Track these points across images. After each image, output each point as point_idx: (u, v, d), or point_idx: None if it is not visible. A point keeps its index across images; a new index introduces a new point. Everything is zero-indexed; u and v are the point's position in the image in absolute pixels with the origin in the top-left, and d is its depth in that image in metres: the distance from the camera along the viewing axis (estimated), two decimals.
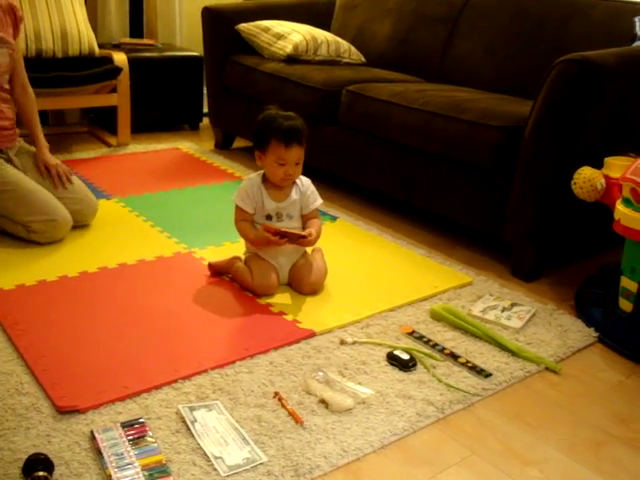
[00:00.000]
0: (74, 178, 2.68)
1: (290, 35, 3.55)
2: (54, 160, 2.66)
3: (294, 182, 2.29)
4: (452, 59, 3.41)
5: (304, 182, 2.32)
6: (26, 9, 3.59)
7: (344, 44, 3.69)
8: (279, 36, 3.58)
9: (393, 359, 1.90)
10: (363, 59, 3.73)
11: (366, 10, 3.90)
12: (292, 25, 3.67)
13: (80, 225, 2.64)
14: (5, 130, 2.60)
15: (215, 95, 3.87)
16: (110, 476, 1.42)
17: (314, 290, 2.27)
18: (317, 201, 2.33)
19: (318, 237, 2.29)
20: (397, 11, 3.72)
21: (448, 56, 3.43)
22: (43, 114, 4.11)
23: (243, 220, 2.28)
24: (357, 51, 3.73)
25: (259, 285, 2.21)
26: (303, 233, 2.21)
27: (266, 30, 3.64)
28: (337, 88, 3.14)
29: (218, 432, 1.57)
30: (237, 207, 2.27)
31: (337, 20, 4.05)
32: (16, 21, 2.62)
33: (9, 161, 2.58)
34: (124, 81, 3.74)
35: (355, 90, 3.06)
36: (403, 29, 3.65)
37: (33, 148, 2.71)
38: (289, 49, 3.50)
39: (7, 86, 2.62)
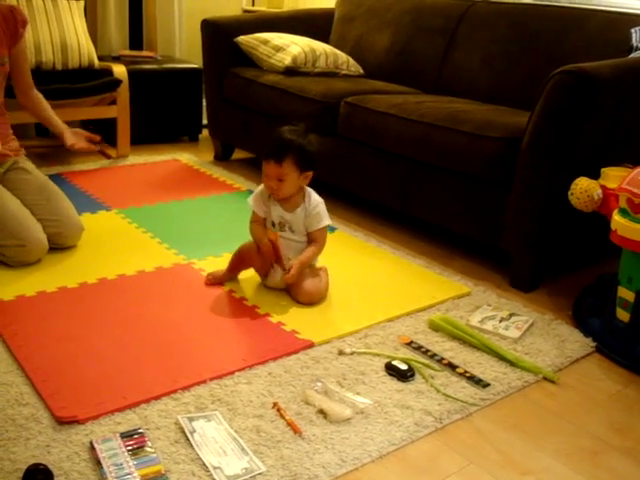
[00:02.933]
0: (58, 198, 2.62)
1: (289, 47, 3.58)
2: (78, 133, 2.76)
3: (304, 197, 2.30)
4: (450, 70, 3.43)
5: (312, 201, 2.33)
6: None
7: (342, 56, 3.71)
8: (278, 48, 3.60)
9: (391, 369, 1.91)
10: (361, 71, 3.76)
11: (364, 22, 3.92)
12: (291, 37, 3.70)
13: (63, 247, 2.57)
14: None
15: (214, 107, 3.89)
16: None
17: (311, 300, 2.27)
18: (322, 222, 2.32)
19: (308, 262, 2.31)
20: (395, 23, 3.74)
21: (446, 68, 3.45)
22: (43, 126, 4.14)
23: (255, 221, 2.34)
24: (355, 63, 3.75)
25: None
26: (287, 267, 2.23)
27: (265, 42, 3.66)
28: (336, 100, 3.16)
29: (217, 442, 1.58)
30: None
31: (335, 32, 4.08)
32: (16, 26, 2.61)
33: None
34: (124, 93, 3.76)
35: (353, 102, 3.08)
36: (401, 41, 3.67)
37: (30, 164, 2.70)
38: (288, 61, 3.52)
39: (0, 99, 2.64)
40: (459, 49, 3.42)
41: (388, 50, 3.73)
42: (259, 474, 1.50)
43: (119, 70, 3.78)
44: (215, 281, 2.37)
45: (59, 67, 3.70)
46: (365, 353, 2.00)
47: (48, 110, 2.83)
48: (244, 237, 2.80)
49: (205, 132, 4.34)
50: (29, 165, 2.69)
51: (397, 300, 2.33)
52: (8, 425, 1.61)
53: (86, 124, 4.20)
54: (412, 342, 2.07)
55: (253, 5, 5.10)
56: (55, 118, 2.82)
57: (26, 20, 2.68)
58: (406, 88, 3.45)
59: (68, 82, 3.56)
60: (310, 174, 2.32)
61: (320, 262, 2.42)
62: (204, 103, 4.12)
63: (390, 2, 3.85)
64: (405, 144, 2.80)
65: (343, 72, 3.69)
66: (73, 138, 2.76)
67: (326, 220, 2.34)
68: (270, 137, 2.28)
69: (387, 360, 1.95)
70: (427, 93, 3.40)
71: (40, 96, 2.81)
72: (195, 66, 4.32)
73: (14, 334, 1.98)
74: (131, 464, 1.49)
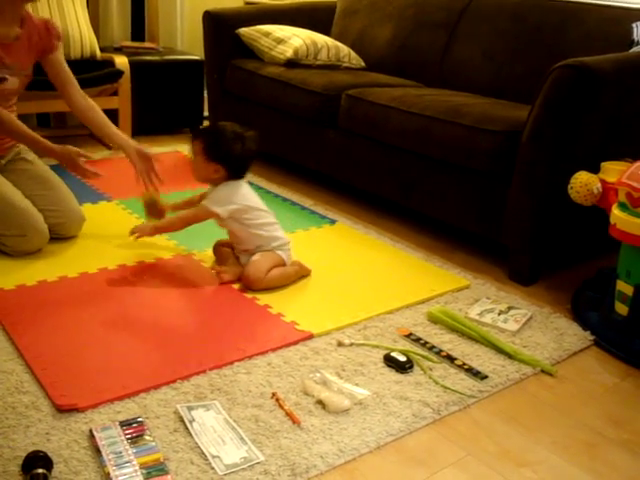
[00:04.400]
0: (60, 188, 2.62)
1: (290, 39, 3.58)
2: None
3: None
4: (451, 64, 3.44)
5: (218, 188, 2.37)
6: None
7: (344, 49, 3.71)
8: (279, 40, 3.60)
9: (390, 361, 1.92)
10: (363, 64, 3.76)
11: (366, 15, 3.92)
12: (292, 30, 3.69)
13: (64, 237, 2.58)
14: (2, 140, 2.60)
15: (215, 99, 3.89)
16: (108, 474, 1.43)
17: (247, 285, 2.28)
18: (211, 203, 2.33)
19: (165, 227, 2.47)
20: (397, 16, 3.74)
21: (447, 61, 3.45)
22: (44, 116, 4.15)
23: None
24: (357, 56, 3.75)
25: None
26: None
27: (266, 34, 3.66)
28: (337, 92, 3.16)
29: (216, 431, 1.59)
30: None
31: (337, 25, 4.08)
32: (51, 39, 2.60)
33: None
34: (125, 84, 3.77)
35: (355, 94, 3.08)
36: (403, 34, 3.67)
37: (32, 155, 2.70)
38: (289, 53, 3.52)
39: (15, 107, 2.65)
40: (460, 43, 3.42)
41: (390, 43, 3.72)
42: (257, 463, 1.51)
43: (121, 61, 3.79)
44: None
45: None
46: (364, 345, 2.01)
47: (107, 121, 2.75)
48: None
49: (206, 124, 4.34)
50: (31, 155, 2.70)
51: (396, 292, 2.34)
52: (8, 413, 1.62)
53: None
54: (411, 334, 2.08)
55: None
56: (114, 128, 2.76)
57: (60, 34, 2.67)
58: (407, 81, 3.46)
59: None
60: (220, 169, 2.32)
61: (321, 253, 2.43)
62: (205, 95, 4.12)
63: None
64: (406, 137, 2.81)
65: (345, 65, 3.69)
66: (140, 163, 2.68)
67: (215, 207, 2.31)
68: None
69: (386, 352, 1.96)
70: (428, 86, 3.40)
71: (96, 107, 2.74)
72: (196, 58, 4.31)
73: (15, 323, 1.99)
74: (130, 452, 1.50)
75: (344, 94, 3.13)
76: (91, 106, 2.73)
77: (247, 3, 4.94)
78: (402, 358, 1.92)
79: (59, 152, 2.55)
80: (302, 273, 2.40)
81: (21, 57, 2.53)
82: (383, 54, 3.75)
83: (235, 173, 2.35)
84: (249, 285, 2.28)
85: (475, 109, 2.71)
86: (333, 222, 2.94)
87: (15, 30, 2.49)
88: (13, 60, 2.50)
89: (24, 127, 2.52)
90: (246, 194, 2.36)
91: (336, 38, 3.89)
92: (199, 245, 2.61)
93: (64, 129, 4.16)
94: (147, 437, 1.55)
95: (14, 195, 2.48)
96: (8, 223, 2.40)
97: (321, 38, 3.67)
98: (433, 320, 2.17)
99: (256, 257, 2.31)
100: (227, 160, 2.31)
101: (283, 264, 2.36)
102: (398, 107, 2.86)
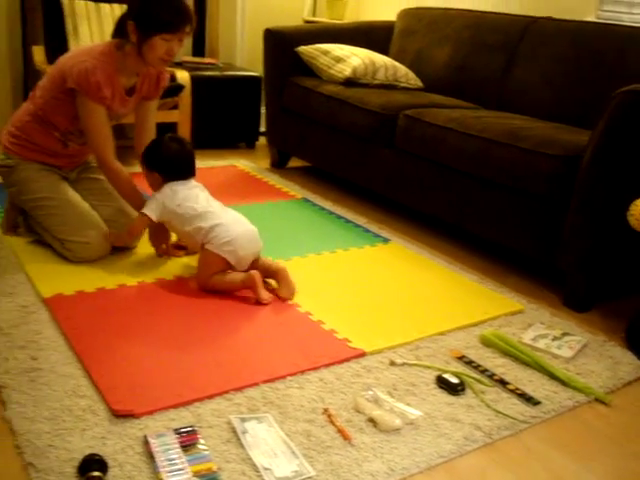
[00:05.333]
0: (121, 201, 2.67)
1: (349, 58, 3.61)
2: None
3: None
4: (509, 86, 3.43)
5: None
6: (94, 27, 3.71)
7: (402, 69, 3.73)
8: (338, 59, 3.64)
9: (442, 382, 1.91)
10: (420, 84, 3.77)
11: (424, 36, 3.94)
12: (351, 49, 3.73)
13: (123, 247, 2.64)
14: (75, 158, 2.69)
15: (273, 115, 3.94)
16: None
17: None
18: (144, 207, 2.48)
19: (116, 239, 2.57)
20: (455, 38, 3.75)
21: (506, 84, 3.44)
22: None
23: None
24: (414, 76, 3.77)
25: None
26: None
27: (326, 53, 3.70)
28: (394, 112, 3.18)
29: (268, 444, 1.60)
30: None
31: (395, 45, 4.10)
32: (157, 90, 2.68)
33: (65, 178, 2.65)
34: (186, 98, 3.84)
35: (412, 115, 3.09)
36: (460, 55, 3.68)
37: (96, 170, 2.77)
38: (348, 72, 3.55)
39: None
40: (519, 65, 3.41)
41: (447, 64, 3.73)
42: (308, 478, 1.52)
43: (182, 76, 3.86)
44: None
45: None
46: (416, 365, 2.01)
47: None
48: (300, 244, 2.85)
49: (262, 139, 4.40)
50: (97, 170, 2.78)
51: (449, 314, 2.33)
52: (65, 415, 1.66)
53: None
54: (463, 356, 2.07)
55: (314, 15, 5.15)
56: None
57: (166, 84, 2.74)
58: (464, 103, 3.46)
59: None
60: (157, 176, 2.49)
61: (375, 271, 2.43)
62: (262, 110, 4.18)
63: (451, 17, 3.86)
64: (462, 158, 2.81)
65: (402, 85, 3.70)
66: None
67: (146, 210, 2.44)
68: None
69: (438, 373, 1.96)
70: (486, 108, 3.40)
71: None
72: (255, 74, 4.38)
73: (74, 328, 2.04)
74: (184, 460, 1.52)
75: (402, 114, 3.14)
76: None
77: (306, 22, 5.01)
78: (454, 380, 1.91)
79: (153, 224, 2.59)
80: (248, 284, 2.32)
81: (131, 105, 2.63)
82: (441, 75, 3.76)
83: (169, 176, 2.48)
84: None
85: (534, 132, 2.69)
86: (387, 241, 2.95)
87: (133, 79, 2.57)
88: (124, 111, 2.62)
89: (137, 191, 2.60)
90: (182, 197, 2.43)
91: (394, 58, 3.92)
92: None
93: (122, 140, 4.24)
94: (200, 446, 1.57)
95: (82, 204, 2.57)
96: (73, 229, 2.48)
97: (379, 58, 3.70)
98: (486, 343, 2.16)
99: (200, 262, 2.41)
100: (157, 166, 2.49)
101: (226, 267, 2.36)
102: (456, 129, 2.86)
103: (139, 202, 2.53)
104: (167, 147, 2.49)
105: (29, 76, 4.08)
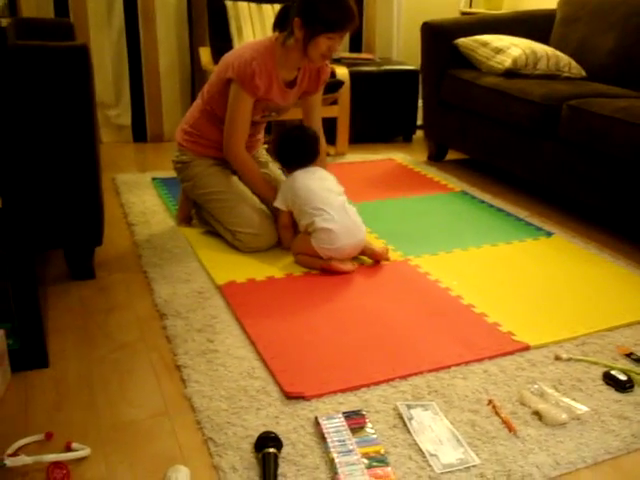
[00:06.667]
0: None
1: (509, 49, 3.56)
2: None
3: None
4: None
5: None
6: (256, 27, 3.85)
7: (564, 58, 3.63)
8: (498, 50, 3.60)
9: (610, 379, 1.87)
10: (584, 73, 3.65)
11: (587, 24, 3.80)
12: (511, 39, 3.67)
13: None
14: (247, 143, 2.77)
15: (431, 108, 3.95)
16: (333, 460, 1.53)
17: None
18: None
19: None
20: (621, 25, 3.60)
21: None
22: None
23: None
24: (577, 65, 3.65)
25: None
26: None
27: (485, 44, 3.67)
28: (557, 102, 3.11)
29: (433, 431, 1.64)
30: None
31: (556, 33, 3.99)
32: (318, 83, 2.78)
33: (235, 173, 2.78)
34: (345, 94, 3.93)
35: (577, 105, 3.01)
36: (627, 43, 3.53)
37: (267, 157, 2.93)
38: (508, 63, 3.50)
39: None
40: None
41: (612, 52, 3.59)
42: (473, 466, 1.54)
43: (342, 72, 3.95)
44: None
45: None
46: (582, 360, 1.97)
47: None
48: (461, 237, 2.86)
49: (419, 133, 4.41)
50: (266, 157, 2.94)
51: (616, 310, 2.27)
52: (241, 395, 1.77)
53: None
54: (632, 354, 2.01)
55: (470, 7, 5.10)
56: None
57: (328, 77, 2.85)
58: (631, 92, 3.32)
59: None
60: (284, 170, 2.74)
61: (538, 265, 2.41)
62: (419, 104, 4.19)
63: (617, 3, 3.70)
64: (631, 150, 2.70)
65: (564, 74, 3.61)
66: None
67: (276, 202, 2.61)
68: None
69: (605, 369, 1.92)
70: None
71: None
72: (412, 67, 4.41)
73: (247, 313, 2.16)
74: (353, 441, 1.59)
75: (565, 104, 3.06)
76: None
77: (463, 13, 4.97)
78: (623, 377, 1.87)
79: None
80: (326, 268, 2.48)
81: (291, 98, 2.74)
82: (605, 63, 3.62)
83: (285, 165, 2.70)
84: None
85: None
86: (550, 234, 2.89)
87: (294, 73, 2.69)
88: (285, 103, 2.73)
89: (264, 182, 2.74)
90: (298, 186, 2.55)
91: (555, 47, 3.82)
92: (415, 251, 2.68)
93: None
94: (368, 429, 1.63)
95: (252, 198, 2.71)
96: (244, 221, 2.62)
97: (540, 47, 3.61)
98: None
99: (298, 239, 2.57)
100: (280, 160, 2.71)
101: (313, 253, 2.48)
102: (624, 119, 2.76)
103: (266, 192, 2.69)
104: (281, 138, 2.69)
105: (196, 77, 4.31)
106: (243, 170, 2.68)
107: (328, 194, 2.53)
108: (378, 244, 2.65)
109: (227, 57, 2.63)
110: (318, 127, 2.83)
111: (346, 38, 4.73)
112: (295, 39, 2.52)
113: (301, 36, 2.49)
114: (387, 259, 2.56)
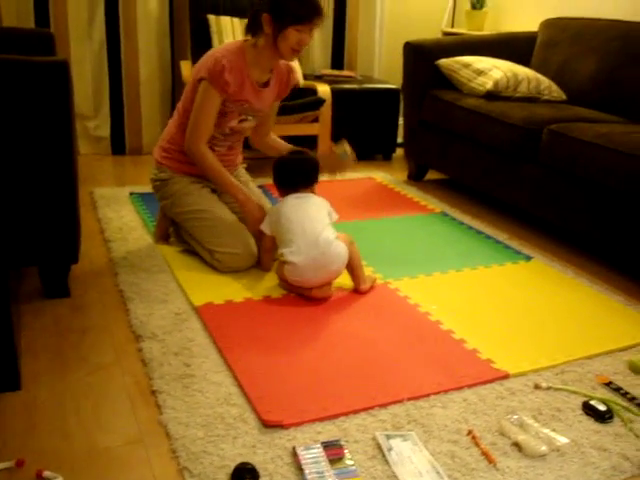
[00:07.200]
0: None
1: (490, 71, 3.57)
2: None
3: None
4: None
5: None
6: None
7: (545, 81, 3.65)
8: (479, 72, 3.61)
9: (589, 409, 1.87)
10: (564, 97, 3.68)
11: (568, 47, 3.84)
12: (492, 61, 3.69)
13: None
14: (226, 157, 2.78)
15: (412, 128, 3.95)
16: None
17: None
18: None
19: None
20: (602, 50, 3.63)
21: None
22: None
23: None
24: (558, 88, 3.68)
25: None
26: None
27: (466, 66, 3.68)
28: (538, 126, 3.12)
29: (413, 463, 1.62)
30: None
31: (537, 56, 4.02)
32: (287, 89, 2.83)
33: (214, 190, 2.76)
34: (326, 112, 3.92)
35: (557, 129, 3.02)
36: (608, 68, 3.55)
37: (247, 176, 2.92)
38: (489, 85, 3.52)
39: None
40: None
41: (593, 76, 3.62)
42: None
43: (323, 90, 3.95)
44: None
45: None
46: (562, 389, 1.97)
47: (280, 143, 2.95)
48: (441, 259, 2.85)
49: (399, 151, 4.41)
50: (246, 177, 2.91)
51: (595, 337, 2.27)
52: (217, 422, 1.74)
53: None
54: (611, 382, 2.01)
55: (452, 26, 5.12)
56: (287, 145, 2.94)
57: (298, 84, 2.89)
58: (612, 117, 3.34)
59: None
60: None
61: (517, 290, 2.41)
62: (400, 123, 4.19)
63: (598, 27, 3.73)
64: (611, 176, 2.72)
65: (545, 97, 3.62)
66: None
67: (262, 225, 2.59)
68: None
69: (584, 399, 1.91)
70: (634, 123, 3.27)
71: (275, 138, 2.96)
72: (393, 86, 4.41)
73: (224, 336, 2.13)
74: (332, 473, 1.56)
75: (546, 129, 3.08)
76: (273, 140, 2.95)
77: (445, 33, 4.98)
78: (602, 407, 1.86)
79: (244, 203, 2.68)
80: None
81: (266, 100, 2.74)
82: (586, 88, 3.65)
83: (279, 191, 2.64)
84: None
85: None
86: (529, 258, 2.90)
87: (267, 75, 2.71)
88: (261, 105, 2.72)
89: (227, 175, 2.68)
90: (280, 213, 2.51)
91: (536, 69, 3.85)
92: (394, 273, 2.67)
93: (257, 151, 4.36)
94: (347, 461, 1.61)
95: (230, 217, 2.67)
96: (223, 242, 2.59)
97: (522, 70, 3.63)
98: (635, 370, 2.09)
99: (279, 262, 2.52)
100: (274, 183, 2.65)
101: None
102: (605, 145, 2.77)
103: (231, 188, 2.64)
104: (278, 161, 2.64)
105: (177, 90, 4.28)
106: (204, 165, 2.64)
107: (307, 224, 2.44)
108: (368, 272, 2.62)
109: (198, 63, 2.65)
110: (270, 129, 2.89)
111: (327, 55, 4.74)
112: (265, 35, 2.56)
113: (270, 31, 2.53)
114: (365, 292, 2.52)
